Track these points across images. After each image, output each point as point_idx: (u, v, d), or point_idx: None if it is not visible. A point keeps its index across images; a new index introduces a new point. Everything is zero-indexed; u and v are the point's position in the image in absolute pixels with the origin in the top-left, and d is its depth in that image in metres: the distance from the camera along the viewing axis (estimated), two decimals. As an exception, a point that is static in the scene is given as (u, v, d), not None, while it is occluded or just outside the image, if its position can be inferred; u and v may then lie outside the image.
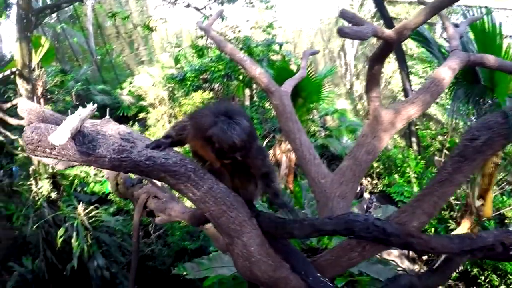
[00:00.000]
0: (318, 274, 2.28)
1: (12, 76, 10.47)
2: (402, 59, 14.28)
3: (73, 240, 8.33)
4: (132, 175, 4.28)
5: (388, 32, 3.25)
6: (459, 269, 8.32)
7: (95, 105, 2.03)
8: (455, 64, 3.88)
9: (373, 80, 3.76)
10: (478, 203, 6.19)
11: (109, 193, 11.71)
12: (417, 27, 3.30)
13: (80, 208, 8.79)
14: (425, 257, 10.42)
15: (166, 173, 2.03)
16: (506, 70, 4.18)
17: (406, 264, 10.76)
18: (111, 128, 2.31)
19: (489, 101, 6.92)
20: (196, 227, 2.81)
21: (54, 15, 18.84)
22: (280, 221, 2.34)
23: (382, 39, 3.30)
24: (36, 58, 11.91)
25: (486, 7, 6.41)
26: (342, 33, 2.90)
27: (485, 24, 6.23)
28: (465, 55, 4.04)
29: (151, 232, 11.03)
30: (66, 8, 19.23)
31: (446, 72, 3.81)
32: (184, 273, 5.04)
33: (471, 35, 6.55)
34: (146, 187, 3.60)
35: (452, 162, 2.02)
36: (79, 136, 1.80)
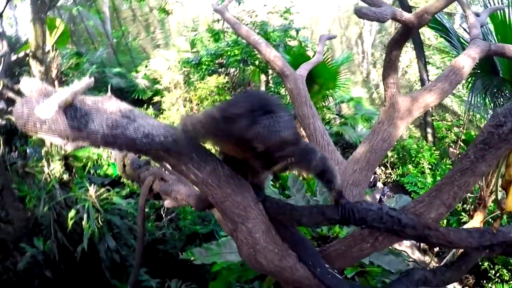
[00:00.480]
0: (327, 265, 2.16)
1: (26, 58, 10.50)
2: (420, 48, 14.04)
3: (83, 222, 8.34)
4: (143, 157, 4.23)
5: (408, 15, 3.16)
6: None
7: (92, 79, 1.87)
8: (475, 53, 3.75)
9: (390, 66, 3.65)
10: (500, 195, 6.02)
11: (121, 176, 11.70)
12: (438, 12, 3.20)
13: (92, 190, 8.77)
14: (436, 249, 10.33)
15: (166, 152, 1.89)
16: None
17: (417, 255, 10.68)
18: (112, 105, 2.19)
19: (508, 94, 6.79)
20: (201, 211, 2.71)
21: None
22: (288, 207, 2.22)
23: (402, 22, 3.21)
24: (51, 40, 11.92)
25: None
26: (360, 13, 2.81)
27: (506, 15, 6.09)
28: (485, 44, 3.92)
29: (163, 215, 11.02)
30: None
31: (466, 61, 3.69)
32: (192, 258, 4.98)
33: (491, 27, 6.41)
34: (152, 169, 3.52)
35: (475, 150, 1.88)
36: (70, 110, 1.66)
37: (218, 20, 15.43)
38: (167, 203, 4.86)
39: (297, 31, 13.98)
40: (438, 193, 2.05)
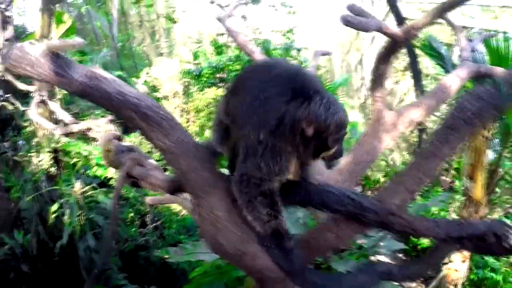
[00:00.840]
0: None
1: (30, 48, 10.50)
2: (417, 76, 14.15)
3: (65, 217, 8.26)
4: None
5: (395, 30, 3.27)
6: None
7: (82, 40, 2.04)
8: (463, 73, 3.86)
9: (378, 80, 3.71)
10: (467, 182, 5.99)
11: (111, 178, 11.65)
12: (424, 27, 3.31)
13: (77, 185, 8.71)
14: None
15: (137, 114, 1.99)
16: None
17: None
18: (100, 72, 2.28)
19: (499, 122, 6.86)
20: (172, 194, 2.70)
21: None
22: None
23: (388, 36, 3.31)
24: (56, 33, 11.93)
25: (504, 32, 6.32)
26: (344, 21, 2.89)
27: (500, 49, 6.18)
28: (474, 66, 4.07)
29: (148, 223, 10.93)
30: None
31: (454, 80, 3.78)
32: (166, 256, 4.96)
33: (487, 58, 6.49)
34: (132, 154, 3.51)
35: (439, 134, 1.91)
36: (56, 57, 1.88)
37: (223, 34, 15.58)
38: (150, 199, 4.82)
39: (298, 50, 14.14)
40: (402, 179, 2.05)
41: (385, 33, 3.24)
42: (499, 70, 4.03)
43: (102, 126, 4.51)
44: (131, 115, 1.99)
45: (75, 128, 5.11)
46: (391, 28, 3.25)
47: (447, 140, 1.84)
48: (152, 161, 3.86)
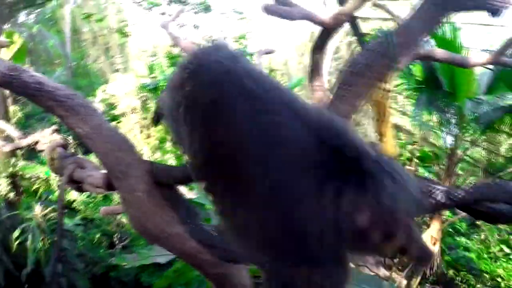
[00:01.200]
0: (203, 224, 2.19)
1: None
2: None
3: (28, 243, 8.06)
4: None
5: (323, 17, 3.31)
6: (433, 271, 8.32)
7: (6, 40, 2.20)
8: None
9: (315, 69, 3.77)
10: (375, 138, 6.02)
11: (74, 200, 11.41)
12: (352, 12, 3.40)
13: (38, 209, 8.52)
14: (396, 260, 10.38)
15: (55, 103, 2.08)
16: (455, 63, 4.33)
17: (382, 271, 10.65)
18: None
19: (452, 107, 7.01)
20: (109, 189, 2.68)
21: (32, 16, 18.65)
22: (169, 167, 2.25)
23: (317, 24, 3.36)
24: (6, 54, 11.64)
25: (451, 23, 6.50)
26: (267, 11, 2.93)
27: (446, 30, 6.33)
28: None
29: (116, 242, 10.74)
30: (45, 10, 19.05)
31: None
32: (124, 264, 4.94)
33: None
34: (74, 158, 3.50)
35: (337, 92, 1.95)
36: None
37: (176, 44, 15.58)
38: (102, 210, 4.77)
39: (251, 55, 14.22)
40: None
41: (313, 22, 3.31)
42: (438, 52, 4.15)
43: (47, 137, 4.47)
44: (50, 104, 2.09)
45: (23, 142, 5.06)
46: (319, 16, 3.32)
47: (345, 97, 1.87)
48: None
